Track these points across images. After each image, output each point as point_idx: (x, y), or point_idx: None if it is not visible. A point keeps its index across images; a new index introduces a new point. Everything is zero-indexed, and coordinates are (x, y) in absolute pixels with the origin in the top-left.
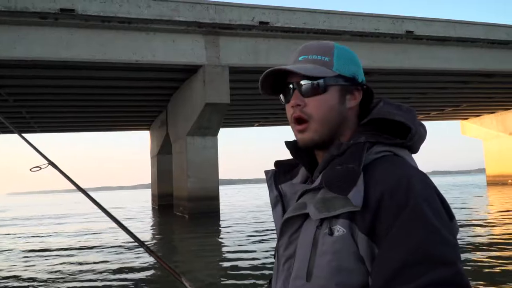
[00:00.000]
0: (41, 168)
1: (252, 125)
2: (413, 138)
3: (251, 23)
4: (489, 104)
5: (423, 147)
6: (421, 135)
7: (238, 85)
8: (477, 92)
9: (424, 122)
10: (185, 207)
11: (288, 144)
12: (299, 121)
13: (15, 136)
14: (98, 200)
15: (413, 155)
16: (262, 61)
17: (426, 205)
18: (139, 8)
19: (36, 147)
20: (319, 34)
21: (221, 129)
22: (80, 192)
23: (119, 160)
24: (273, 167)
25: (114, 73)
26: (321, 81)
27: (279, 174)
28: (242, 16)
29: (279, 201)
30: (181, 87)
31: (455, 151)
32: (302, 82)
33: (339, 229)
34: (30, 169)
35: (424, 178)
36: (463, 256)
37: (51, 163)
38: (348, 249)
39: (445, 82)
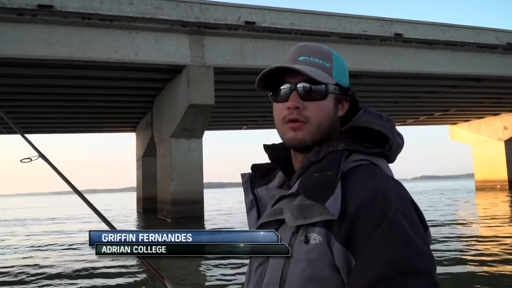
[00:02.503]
0: (31, 160)
1: (240, 128)
2: (391, 147)
3: (237, 23)
4: (478, 109)
5: (413, 151)
6: (399, 145)
7: (224, 87)
8: (466, 97)
9: (413, 127)
10: (168, 210)
11: (266, 147)
12: (295, 122)
13: None
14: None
15: (397, 162)
16: (249, 62)
17: (403, 217)
18: (120, 5)
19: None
20: (306, 35)
21: (210, 132)
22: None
23: (108, 162)
24: (250, 171)
25: (96, 72)
26: (322, 86)
27: (255, 178)
28: (227, 15)
29: (254, 205)
30: (166, 87)
31: (444, 156)
32: (304, 85)
33: (316, 237)
34: (21, 160)
35: (400, 190)
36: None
37: (41, 155)
38: (323, 258)
39: (434, 86)
